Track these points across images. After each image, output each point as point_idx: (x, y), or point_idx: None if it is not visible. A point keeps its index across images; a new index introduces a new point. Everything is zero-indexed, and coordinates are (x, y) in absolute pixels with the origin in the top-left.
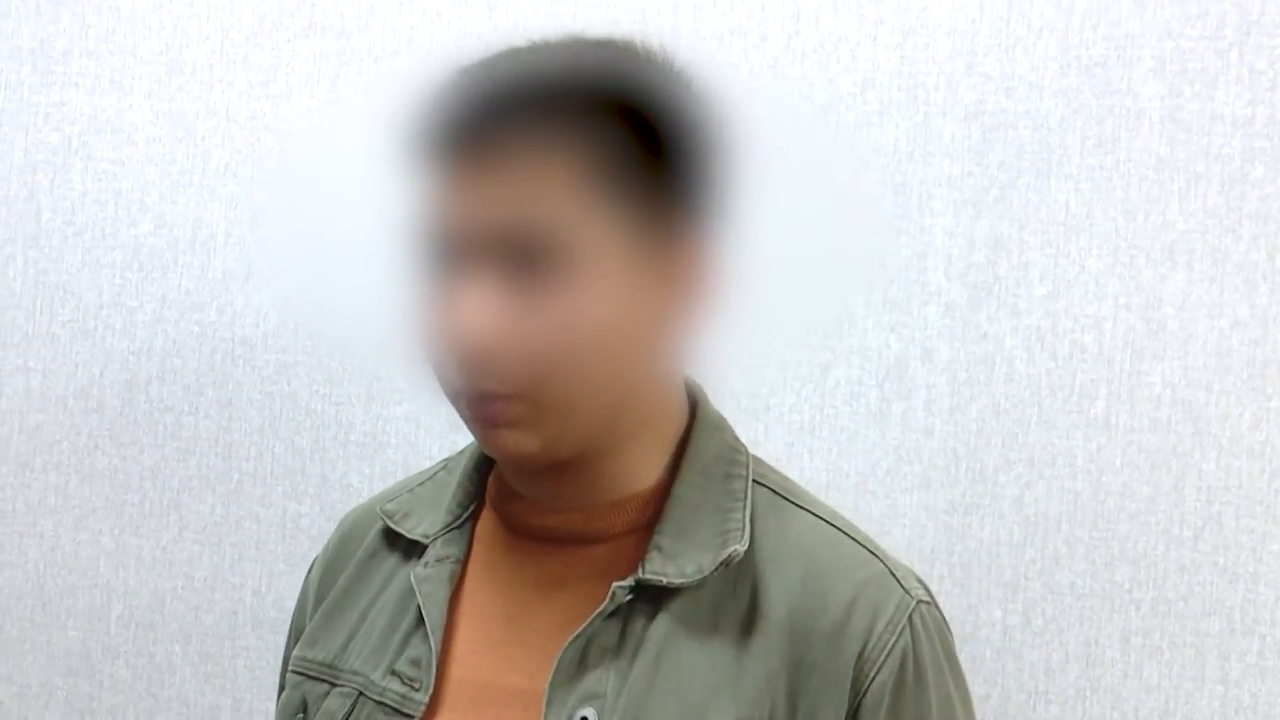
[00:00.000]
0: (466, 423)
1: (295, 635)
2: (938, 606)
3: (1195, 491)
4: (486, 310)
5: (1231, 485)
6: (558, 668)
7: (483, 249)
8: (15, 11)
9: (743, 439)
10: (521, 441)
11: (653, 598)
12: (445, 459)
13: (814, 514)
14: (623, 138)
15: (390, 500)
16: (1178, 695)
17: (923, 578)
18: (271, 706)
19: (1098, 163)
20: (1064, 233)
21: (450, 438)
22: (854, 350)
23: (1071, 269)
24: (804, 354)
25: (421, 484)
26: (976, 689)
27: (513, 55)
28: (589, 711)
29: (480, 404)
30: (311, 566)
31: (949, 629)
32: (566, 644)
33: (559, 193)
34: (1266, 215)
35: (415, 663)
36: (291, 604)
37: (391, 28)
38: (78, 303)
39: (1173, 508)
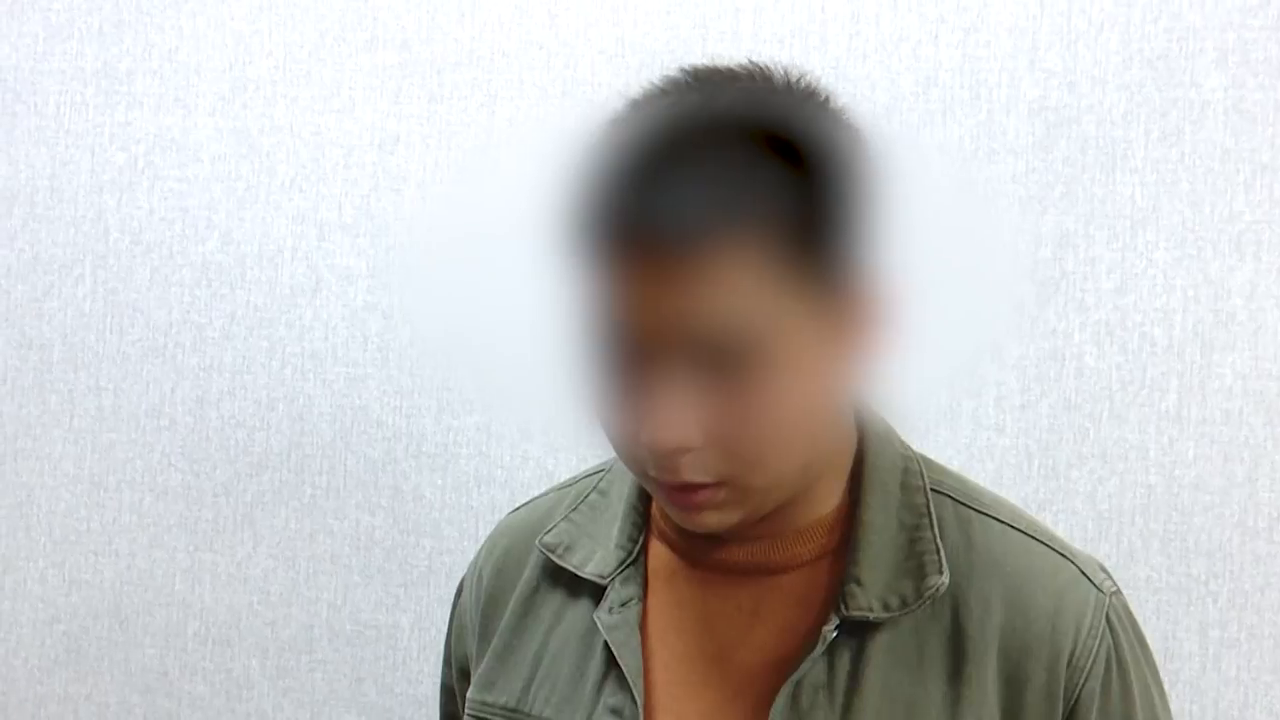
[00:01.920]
0: (663, 502)
1: (458, 667)
2: (1121, 592)
3: (1269, 482)
4: (685, 407)
5: None
6: (775, 714)
7: (676, 347)
8: (79, 34)
9: None
10: (725, 520)
11: (855, 631)
12: (592, 473)
13: (997, 519)
14: (797, 193)
15: (547, 531)
16: (1257, 687)
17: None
18: (350, 719)
19: (1162, 156)
20: (1130, 226)
21: (522, 446)
22: (923, 349)
23: (1139, 263)
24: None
25: (576, 509)
26: None
27: (658, 109)
28: None
29: (682, 494)
30: (460, 590)
31: (1133, 612)
32: (781, 689)
33: (751, 288)
34: None
35: (618, 712)
36: (367, 616)
37: (454, 39)
38: (147, 321)
39: (1247, 499)
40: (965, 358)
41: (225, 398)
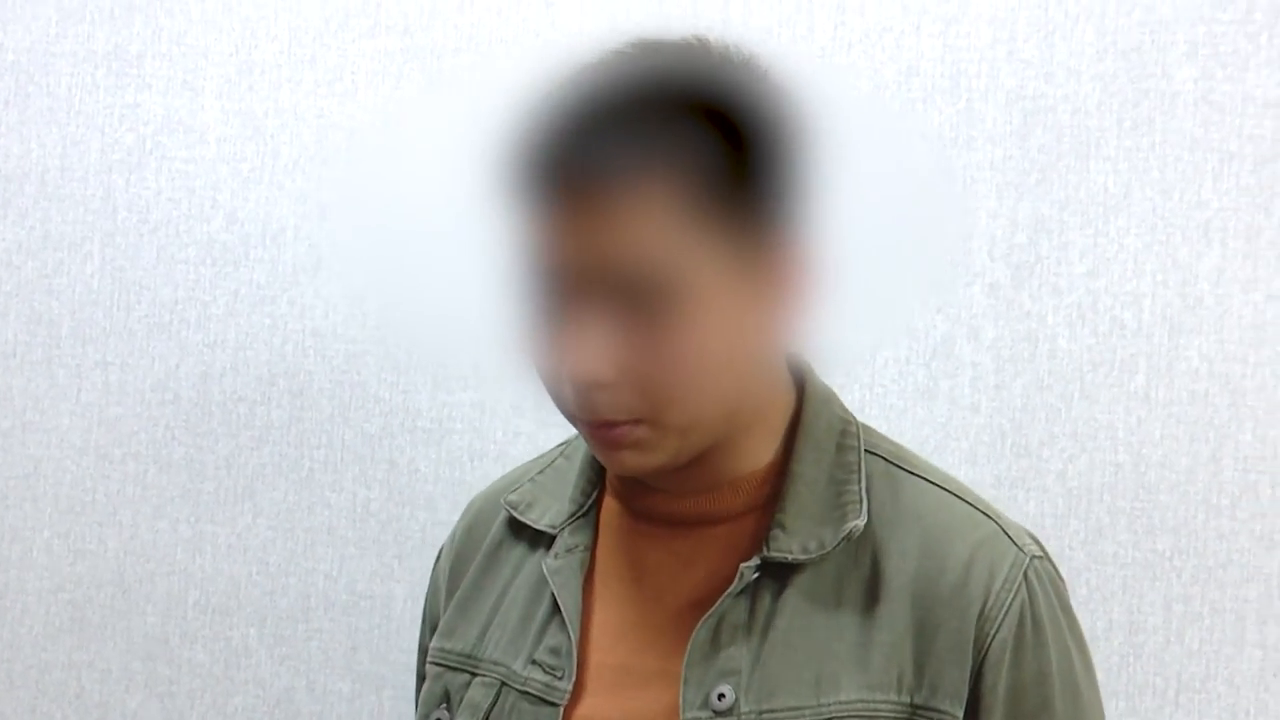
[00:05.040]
0: (586, 440)
1: (430, 625)
2: (1050, 560)
3: (1233, 461)
4: (602, 343)
5: (1268, 455)
6: (693, 647)
7: (594, 285)
8: (91, 16)
9: None
10: (644, 461)
11: (778, 574)
12: (562, 444)
13: (926, 479)
14: (716, 149)
15: (513, 490)
16: (1218, 659)
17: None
18: (345, 687)
19: (1134, 145)
20: (1103, 213)
21: (514, 422)
22: (901, 330)
23: (1110, 248)
24: (853, 335)
25: (541, 472)
26: None
27: (589, 75)
28: (725, 688)
29: (601, 430)
30: (439, 555)
31: (1063, 581)
32: (699, 624)
33: (665, 228)
34: None
35: (555, 651)
36: (362, 586)
37: (454, 25)
38: (153, 298)
39: (1211, 477)
40: (942, 339)
41: (228, 373)
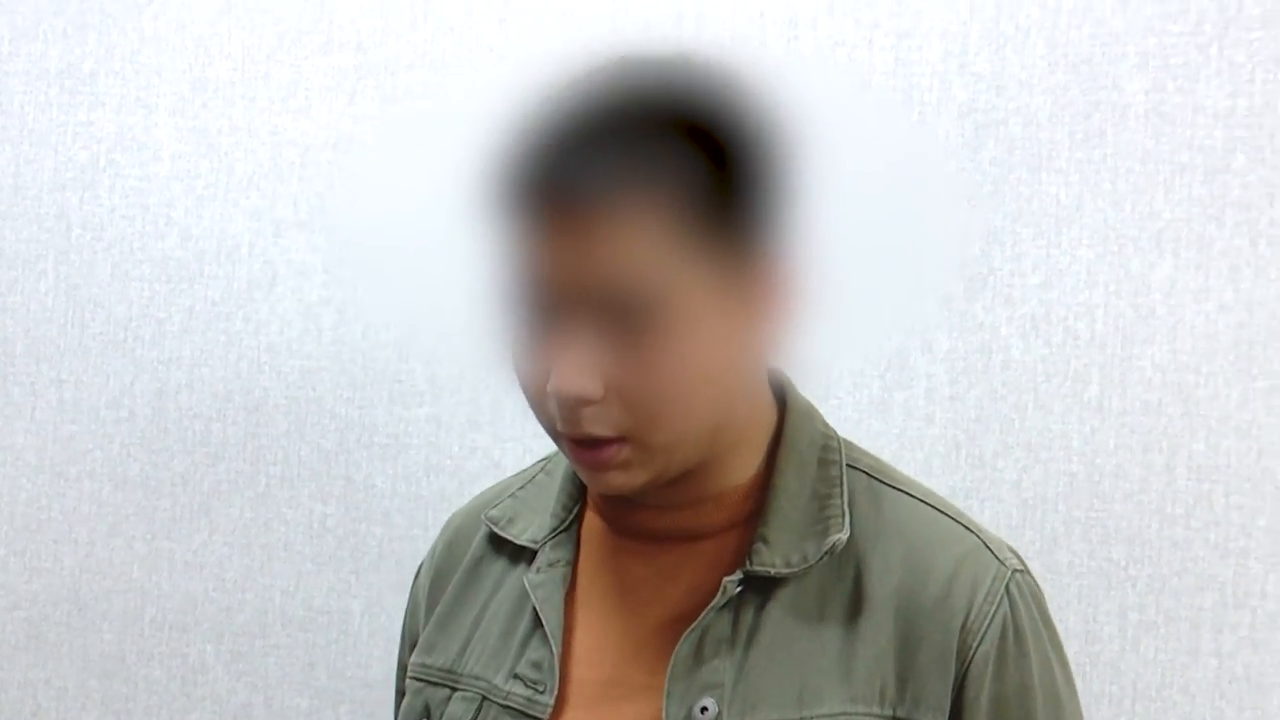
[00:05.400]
0: (569, 460)
1: (410, 642)
2: (1031, 574)
3: (1186, 470)
4: (588, 360)
5: (1220, 464)
6: (676, 660)
7: (580, 302)
8: (44, 35)
9: None
10: (629, 480)
11: (761, 588)
12: (543, 459)
13: (908, 493)
14: (702, 166)
15: (493, 506)
16: (1173, 668)
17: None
18: (303, 703)
19: (1086, 156)
20: (1055, 225)
21: (470, 437)
22: (858, 344)
23: (1063, 259)
24: (811, 348)
25: (522, 488)
26: None
27: (576, 93)
28: (709, 701)
29: (586, 450)
30: (418, 573)
31: (1043, 595)
32: (683, 638)
33: (652, 247)
34: (1248, 203)
35: (537, 665)
36: (320, 602)
37: (407, 42)
38: (108, 315)
39: (1165, 487)
40: (897, 351)
41: (183, 390)
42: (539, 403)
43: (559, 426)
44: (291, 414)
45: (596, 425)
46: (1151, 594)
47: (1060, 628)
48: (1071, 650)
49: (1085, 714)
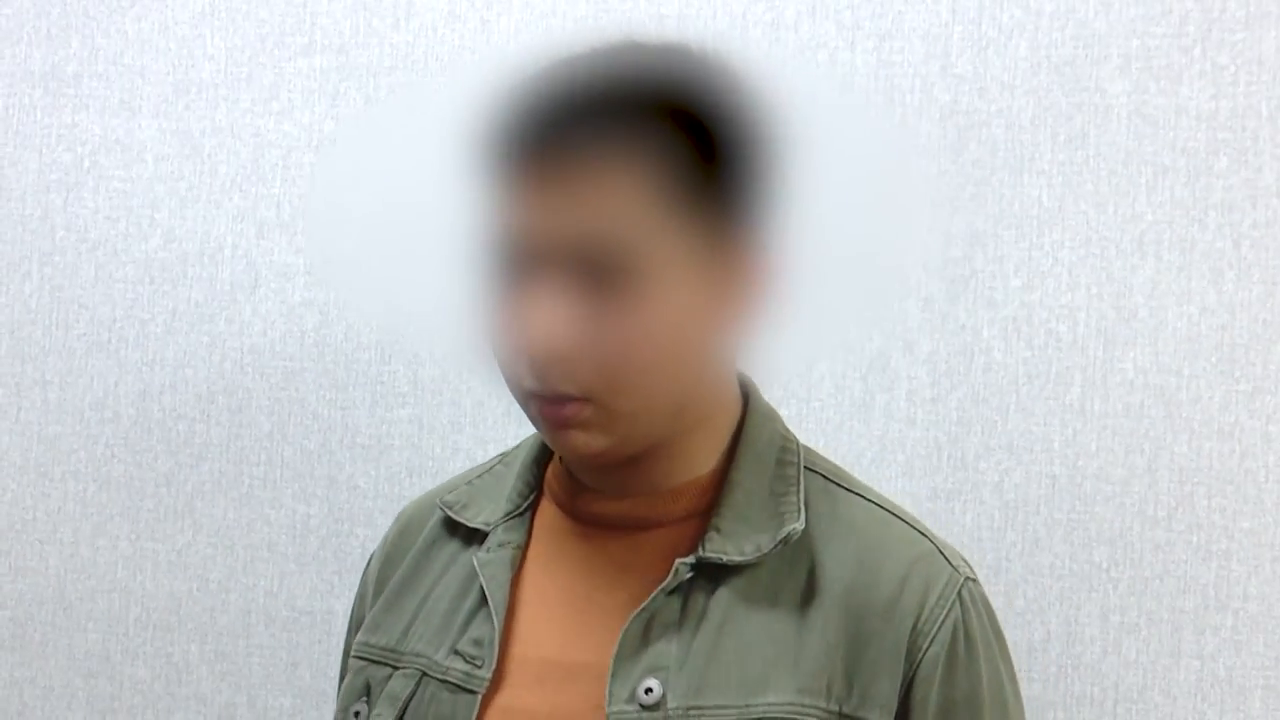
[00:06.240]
0: (535, 423)
1: (355, 626)
2: (981, 586)
3: (1168, 473)
4: (560, 315)
5: (1203, 466)
6: (623, 640)
7: (555, 258)
8: (27, 37)
9: None
10: (590, 442)
11: (713, 576)
12: (501, 454)
13: (864, 497)
14: (685, 144)
15: (449, 492)
16: (1155, 670)
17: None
18: (285, 702)
19: (1068, 158)
20: (1037, 226)
21: (452, 438)
22: (837, 345)
23: (1045, 261)
24: (790, 349)
25: (479, 476)
26: None
27: (575, 64)
28: (653, 682)
29: (551, 406)
30: (370, 560)
31: (992, 608)
32: (630, 618)
33: (631, 207)
34: (1231, 205)
35: (478, 642)
36: (302, 602)
37: (389, 44)
38: (92, 317)
39: (1147, 489)
40: (878, 352)
41: (167, 391)
42: (510, 362)
43: (525, 382)
44: (275, 415)
45: (563, 383)
46: (1133, 596)
47: (1042, 630)
48: (1053, 653)
49: (1068, 715)
